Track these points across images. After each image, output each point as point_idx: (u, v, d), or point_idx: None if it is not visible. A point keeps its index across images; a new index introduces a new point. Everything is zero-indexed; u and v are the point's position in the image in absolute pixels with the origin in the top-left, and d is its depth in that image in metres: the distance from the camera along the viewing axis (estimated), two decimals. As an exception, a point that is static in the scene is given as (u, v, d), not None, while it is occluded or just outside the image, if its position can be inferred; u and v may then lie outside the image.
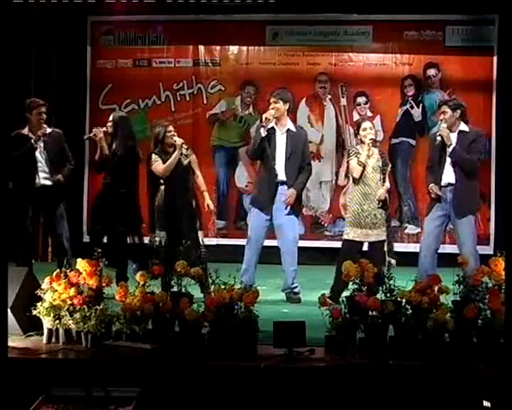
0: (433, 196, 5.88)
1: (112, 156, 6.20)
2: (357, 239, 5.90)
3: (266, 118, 5.99)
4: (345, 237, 6.01)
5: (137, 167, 6.33)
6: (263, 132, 6.00)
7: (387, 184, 5.99)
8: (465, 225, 5.81)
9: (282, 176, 6.06)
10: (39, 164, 6.18)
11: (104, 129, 6.27)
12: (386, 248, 5.94)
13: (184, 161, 6.13)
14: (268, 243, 6.33)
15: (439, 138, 5.82)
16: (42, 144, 6.18)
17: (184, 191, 6.12)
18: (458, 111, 5.82)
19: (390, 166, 6.12)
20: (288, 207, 6.06)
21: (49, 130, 6.27)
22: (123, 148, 6.19)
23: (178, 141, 6.09)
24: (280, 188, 6.07)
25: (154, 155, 6.11)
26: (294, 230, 6.20)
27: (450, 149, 5.76)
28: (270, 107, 6.06)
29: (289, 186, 6.05)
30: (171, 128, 6.20)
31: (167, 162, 6.02)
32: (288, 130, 6.12)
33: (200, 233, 6.14)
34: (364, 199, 5.89)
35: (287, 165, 6.05)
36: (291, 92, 6.76)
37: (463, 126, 5.86)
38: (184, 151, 6.13)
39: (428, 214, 5.98)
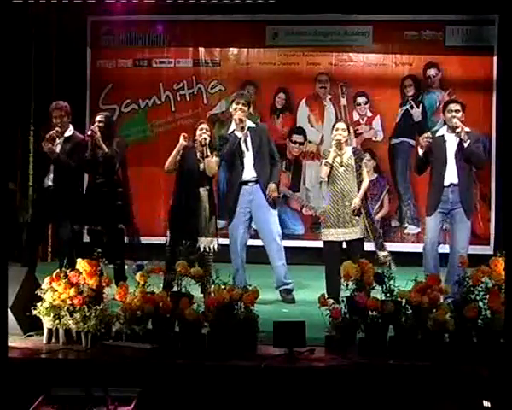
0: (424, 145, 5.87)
1: (100, 156, 6.13)
2: (335, 239, 5.90)
3: (240, 119, 6.05)
4: (323, 238, 6.03)
5: (125, 167, 6.30)
6: (239, 134, 6.07)
7: (363, 186, 5.92)
8: (466, 222, 5.84)
9: (252, 174, 6.11)
10: (52, 166, 6.14)
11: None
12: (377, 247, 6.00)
13: (200, 165, 6.11)
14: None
15: (452, 136, 5.78)
16: (59, 147, 6.14)
17: (196, 195, 6.10)
18: (463, 113, 5.86)
19: (365, 158, 6.04)
20: (266, 203, 6.09)
21: (69, 133, 6.20)
22: (113, 147, 6.14)
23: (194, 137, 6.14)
24: (254, 187, 6.10)
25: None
26: (275, 224, 6.18)
27: (466, 145, 5.72)
28: (239, 108, 6.08)
29: (264, 182, 6.08)
30: (202, 126, 6.18)
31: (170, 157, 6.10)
32: (249, 128, 6.17)
33: (203, 239, 6.11)
34: (336, 199, 5.90)
35: (255, 163, 6.10)
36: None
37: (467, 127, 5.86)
38: (207, 152, 6.05)
39: (431, 214, 5.92)
